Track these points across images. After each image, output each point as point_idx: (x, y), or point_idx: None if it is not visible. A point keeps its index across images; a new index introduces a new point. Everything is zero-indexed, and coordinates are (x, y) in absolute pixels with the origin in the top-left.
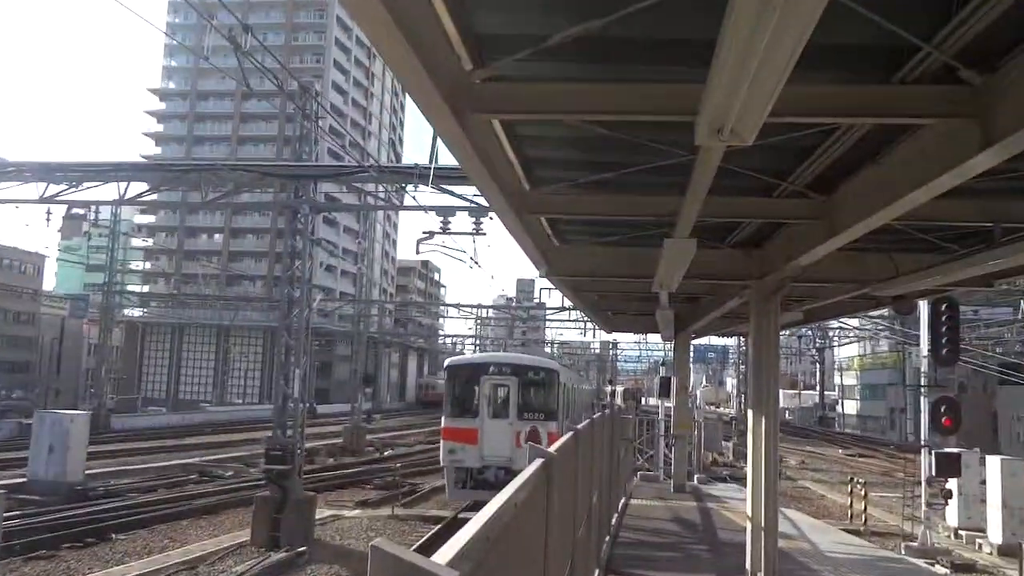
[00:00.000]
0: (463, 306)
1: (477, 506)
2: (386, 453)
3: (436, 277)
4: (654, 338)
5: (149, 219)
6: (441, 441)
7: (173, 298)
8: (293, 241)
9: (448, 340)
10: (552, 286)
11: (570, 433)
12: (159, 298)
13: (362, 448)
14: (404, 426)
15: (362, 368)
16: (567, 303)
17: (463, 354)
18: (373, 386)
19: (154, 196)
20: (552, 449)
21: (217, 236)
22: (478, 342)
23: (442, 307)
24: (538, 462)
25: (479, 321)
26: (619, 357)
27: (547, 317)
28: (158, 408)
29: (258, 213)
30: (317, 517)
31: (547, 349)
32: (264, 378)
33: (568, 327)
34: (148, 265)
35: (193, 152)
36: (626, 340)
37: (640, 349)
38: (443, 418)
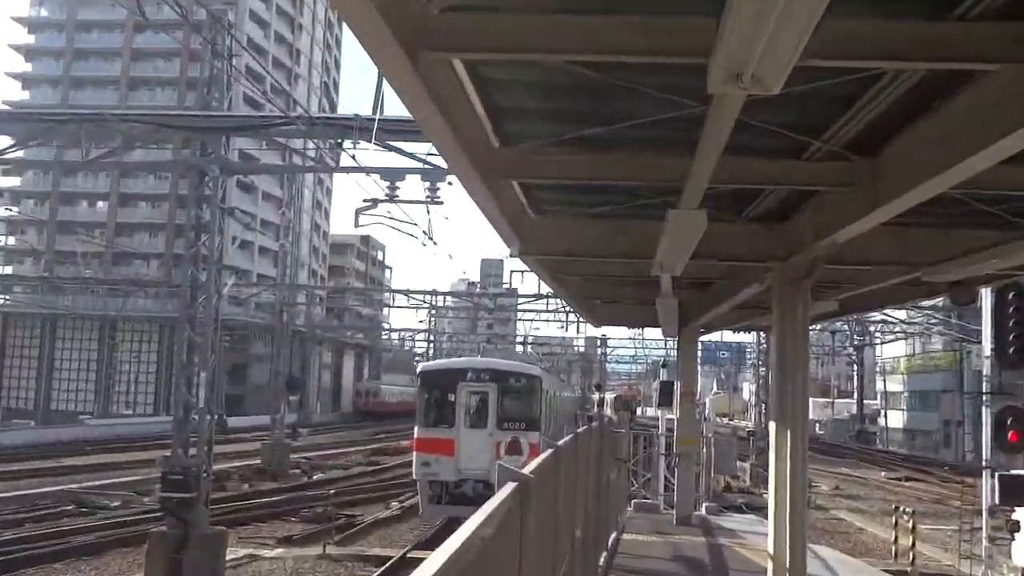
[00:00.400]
0: (414, 293)
1: (451, 525)
2: (316, 477)
3: (379, 256)
4: (653, 333)
5: (13, 182)
6: (414, 453)
7: (44, 282)
8: (199, 211)
9: (394, 335)
10: (526, 268)
11: (549, 451)
12: (26, 282)
13: (285, 471)
14: (339, 443)
15: (285, 371)
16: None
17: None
18: (299, 393)
19: (20, 153)
20: (529, 469)
21: (101, 204)
22: (432, 338)
23: (387, 294)
24: (510, 486)
25: (434, 312)
26: (609, 357)
27: (519, 307)
28: (24, 422)
29: (154, 176)
30: (228, 558)
31: (519, 348)
32: (160, 384)
33: (546, 319)
34: (11, 240)
35: (71, 98)
36: (618, 336)
37: (636, 347)
38: (416, 428)
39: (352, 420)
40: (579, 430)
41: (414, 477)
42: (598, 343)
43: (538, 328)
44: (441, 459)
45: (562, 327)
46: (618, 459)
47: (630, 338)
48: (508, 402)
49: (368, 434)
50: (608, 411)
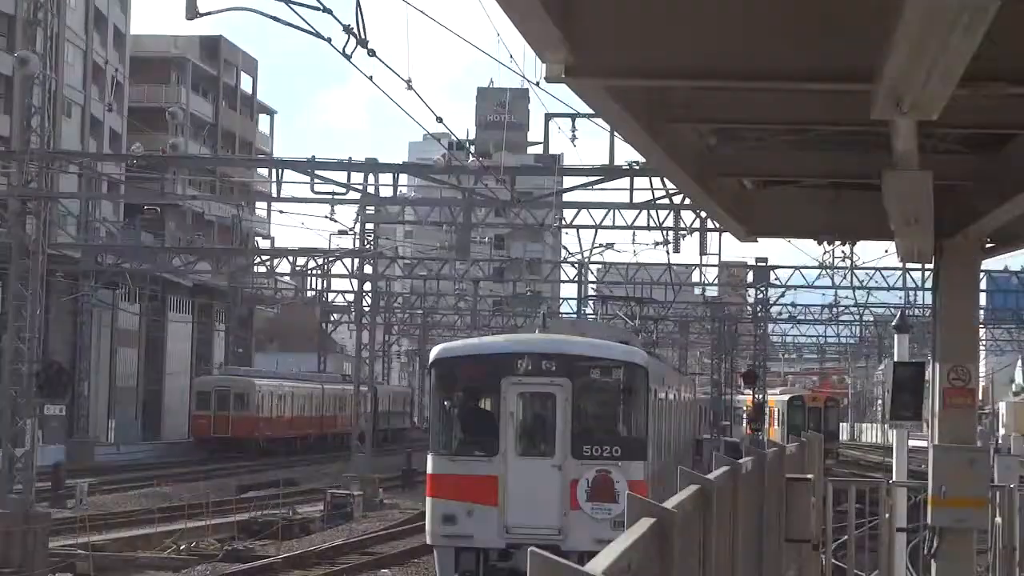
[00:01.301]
0: (323, 168)
1: None
2: None
3: (246, 86)
4: (872, 253)
5: None
6: (427, 500)
7: None
8: None
9: (283, 269)
10: (590, 109)
11: (724, 470)
12: None
13: (32, 568)
14: (157, 511)
15: (34, 356)
16: (623, 157)
17: (329, 308)
18: (65, 400)
19: None
20: (671, 504)
21: None
22: (368, 270)
23: (265, 171)
24: (644, 523)
25: (371, 210)
26: (775, 311)
27: (568, 200)
28: None
29: None
30: None
31: (563, 287)
32: None
33: (626, 228)
34: None
35: None
36: (793, 262)
37: (833, 289)
38: (430, 457)
39: (188, 456)
40: (722, 468)
41: (429, 542)
42: (747, 277)
43: (603, 250)
44: (476, 510)
45: (663, 244)
46: (797, 540)
47: (818, 266)
48: (590, 411)
49: (222, 488)
50: (773, 431)
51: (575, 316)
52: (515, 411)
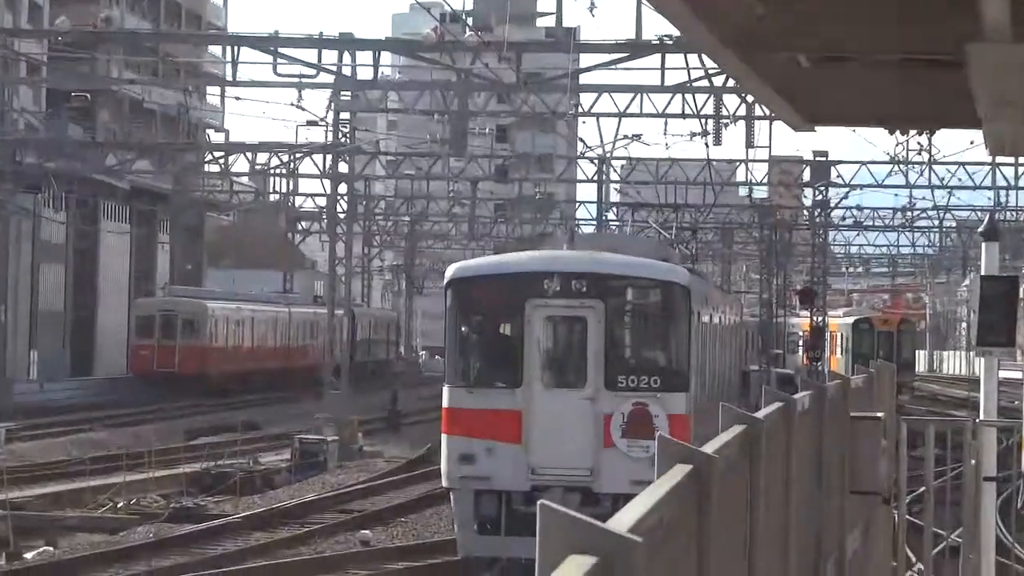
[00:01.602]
0: (290, 43)
1: None
2: (30, 558)
3: None
4: (954, 144)
5: None
6: (443, 438)
7: None
8: None
9: (243, 171)
10: None
11: (775, 406)
12: None
13: None
14: (84, 462)
15: None
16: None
17: (296, 213)
18: None
19: None
20: (712, 448)
21: None
22: (342, 167)
23: (219, 49)
24: (679, 471)
25: (348, 95)
26: (836, 217)
27: (581, 84)
28: None
29: None
30: None
31: (583, 184)
32: None
33: (656, 115)
34: None
35: None
36: (859, 154)
37: (909, 193)
38: (445, 390)
39: (126, 395)
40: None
41: (445, 485)
42: (803, 175)
43: (629, 142)
44: (497, 449)
45: (701, 137)
46: (864, 492)
47: (889, 161)
48: (626, 337)
49: (168, 433)
50: (835, 360)
51: (595, 225)
52: (541, 337)
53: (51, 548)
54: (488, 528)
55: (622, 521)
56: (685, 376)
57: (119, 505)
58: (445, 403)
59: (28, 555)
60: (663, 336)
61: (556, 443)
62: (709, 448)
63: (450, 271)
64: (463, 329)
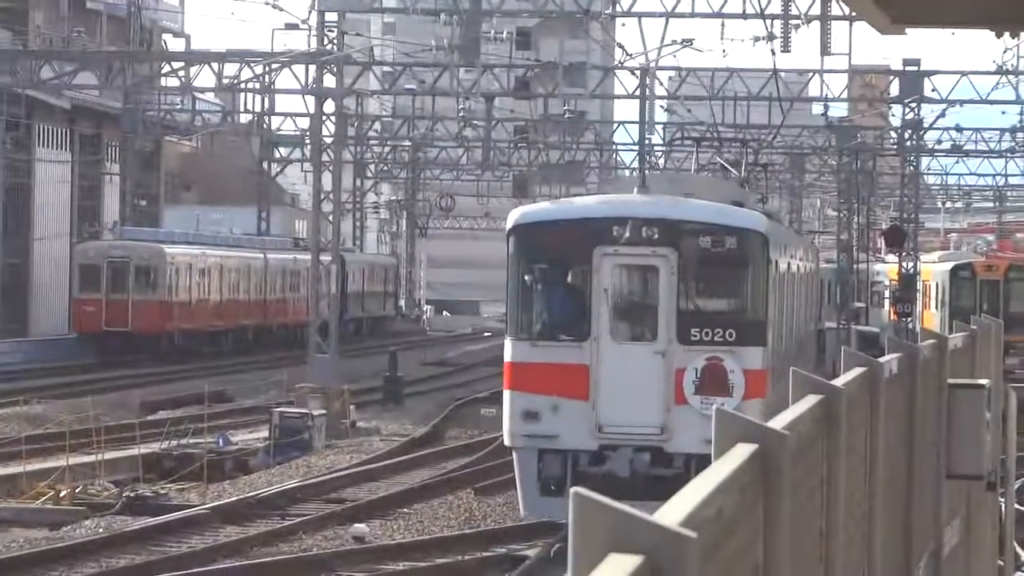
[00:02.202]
0: None
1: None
2: None
3: None
4: None
5: None
6: (506, 393)
7: None
8: None
9: (208, 85)
10: None
11: (856, 371)
12: None
13: None
14: (19, 441)
15: None
16: None
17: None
18: None
19: None
20: (781, 424)
21: None
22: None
23: None
24: (741, 451)
25: (320, 3)
26: (938, 142)
27: None
28: None
29: None
30: None
31: (622, 100)
32: None
33: (702, 21)
34: None
35: None
36: (960, 63)
37: (1021, 111)
38: (508, 343)
39: (69, 359)
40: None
41: (507, 443)
42: (891, 89)
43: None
44: (563, 406)
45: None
46: (964, 477)
47: (995, 71)
48: (700, 287)
49: (120, 405)
50: (929, 315)
51: (636, 151)
52: (610, 287)
53: None
54: (552, 489)
55: (674, 512)
56: (762, 328)
57: (62, 494)
58: (507, 357)
59: None
60: (739, 287)
61: (625, 400)
62: (777, 424)
63: (513, 216)
64: (526, 278)
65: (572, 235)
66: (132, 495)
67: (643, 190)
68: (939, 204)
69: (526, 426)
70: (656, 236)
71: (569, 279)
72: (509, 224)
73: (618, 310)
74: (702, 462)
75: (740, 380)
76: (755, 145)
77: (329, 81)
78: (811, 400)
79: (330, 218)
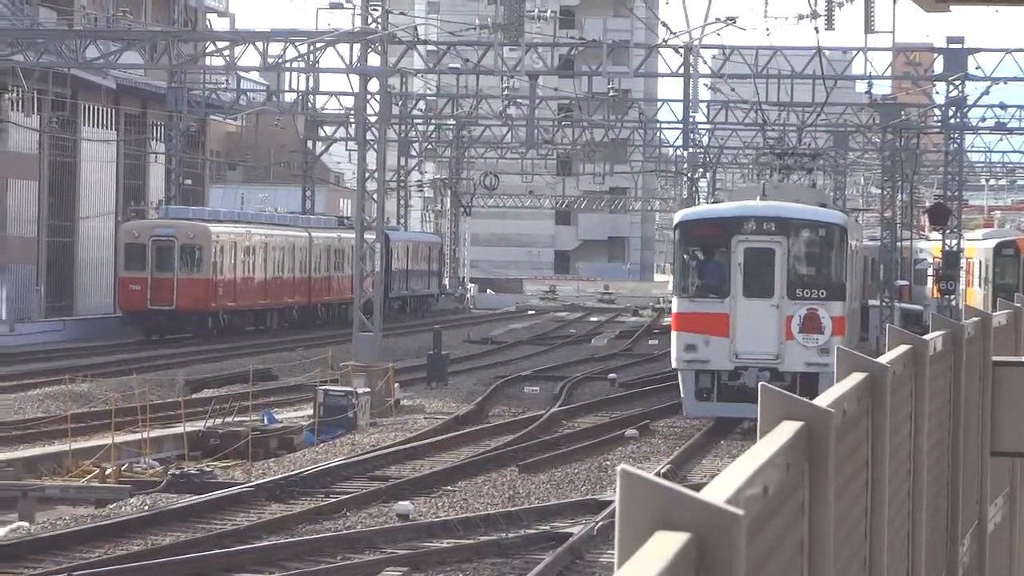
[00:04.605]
0: None
1: (722, 429)
2: None
3: None
4: None
5: None
6: (672, 333)
7: None
8: None
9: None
10: None
11: (900, 349)
12: None
13: None
14: (65, 419)
15: None
16: None
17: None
18: None
19: None
20: (827, 402)
21: None
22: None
23: None
24: (787, 429)
25: None
26: (983, 120)
27: None
28: None
29: None
30: None
31: (666, 79)
32: None
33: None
34: None
35: None
36: (1006, 40)
37: None
38: (674, 299)
39: (114, 338)
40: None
41: (674, 366)
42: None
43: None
44: (711, 341)
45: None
46: (1009, 454)
47: None
48: (802, 262)
49: (165, 384)
50: (973, 292)
51: (681, 129)
52: (742, 262)
53: (26, 524)
54: (704, 397)
55: (722, 488)
56: (843, 289)
57: (107, 472)
58: (674, 309)
59: None
60: (827, 261)
61: (753, 336)
62: (823, 401)
63: (677, 216)
64: (685, 256)
65: (717, 228)
66: (177, 473)
67: (764, 197)
68: (983, 182)
69: (687, 355)
70: (773, 228)
71: (715, 257)
72: (675, 221)
73: (748, 277)
74: (804, 378)
75: (829, 323)
76: (797, 115)
77: (373, 60)
78: (856, 378)
79: (374, 197)
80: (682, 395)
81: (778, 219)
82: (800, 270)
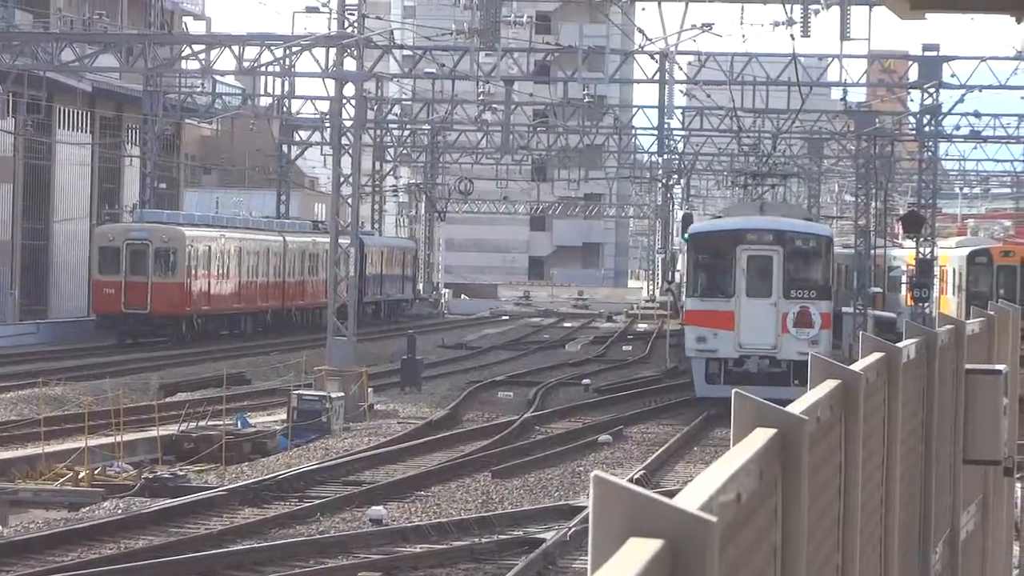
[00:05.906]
0: None
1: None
2: None
3: None
4: None
5: None
6: (685, 328)
7: None
8: None
9: (228, 68)
10: None
11: (874, 356)
12: None
13: None
14: (38, 423)
15: None
16: None
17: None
18: None
19: None
20: (799, 409)
21: None
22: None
23: None
24: (760, 436)
25: None
26: (957, 128)
27: None
28: None
29: None
30: None
31: (641, 84)
32: None
33: (722, 6)
34: None
35: None
36: (979, 48)
37: None
38: (687, 299)
39: (88, 342)
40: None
41: (688, 355)
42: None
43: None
44: (719, 333)
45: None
46: (981, 462)
47: (1015, 57)
48: (795, 268)
49: (139, 388)
50: (946, 300)
51: (656, 135)
52: (745, 268)
53: None
54: (713, 381)
55: (692, 497)
56: (829, 290)
57: (80, 475)
58: (687, 307)
59: None
60: (817, 267)
61: (754, 330)
62: (795, 408)
63: (690, 229)
64: (696, 262)
65: (724, 239)
66: (151, 476)
67: (762, 212)
68: (957, 190)
69: (698, 345)
70: (771, 239)
71: (722, 263)
72: (687, 233)
73: (750, 280)
74: (797, 365)
75: (818, 319)
76: (772, 122)
77: (349, 64)
78: (829, 385)
79: (349, 201)
80: (694, 380)
81: (776, 231)
82: (794, 274)
